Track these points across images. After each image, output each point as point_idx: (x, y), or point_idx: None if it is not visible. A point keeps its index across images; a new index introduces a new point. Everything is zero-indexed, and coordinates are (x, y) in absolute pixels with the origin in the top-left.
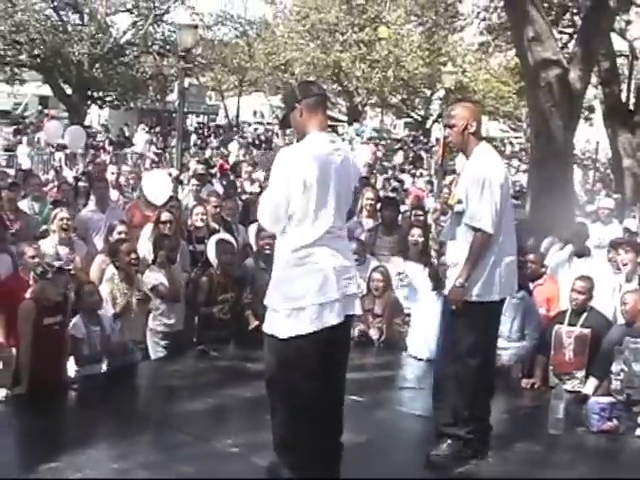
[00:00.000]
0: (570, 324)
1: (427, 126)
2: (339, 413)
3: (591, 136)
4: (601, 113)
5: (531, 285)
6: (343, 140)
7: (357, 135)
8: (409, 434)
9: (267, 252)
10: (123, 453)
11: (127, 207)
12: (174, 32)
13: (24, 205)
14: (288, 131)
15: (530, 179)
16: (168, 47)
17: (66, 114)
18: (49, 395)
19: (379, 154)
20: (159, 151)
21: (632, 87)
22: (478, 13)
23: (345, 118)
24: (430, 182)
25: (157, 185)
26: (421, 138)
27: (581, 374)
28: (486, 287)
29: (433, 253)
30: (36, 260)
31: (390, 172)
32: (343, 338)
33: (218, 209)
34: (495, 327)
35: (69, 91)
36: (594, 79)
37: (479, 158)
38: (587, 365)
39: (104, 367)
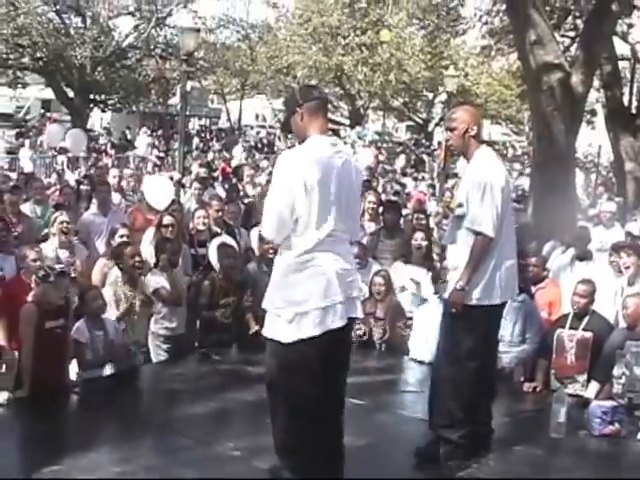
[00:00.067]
0: (572, 328)
1: (429, 129)
2: (340, 416)
3: (593, 140)
4: (603, 117)
5: (533, 288)
6: (345, 143)
7: (359, 138)
8: (410, 438)
9: (270, 256)
10: (125, 456)
11: (129, 211)
12: (176, 35)
13: (26, 208)
14: (290, 134)
15: (532, 183)
16: (170, 50)
17: (68, 117)
18: (51, 398)
19: (381, 157)
20: (161, 154)
21: (634, 91)
22: (480, 17)
23: (347, 121)
24: (432, 185)
25: (158, 190)
26: (423, 141)
27: (583, 378)
28: (486, 291)
29: (435, 257)
30: (38, 263)
31: (390, 175)
32: (345, 340)
33: (220, 213)
34: (495, 331)
35: (71, 94)
36: (596, 83)
37: (480, 161)
38: (589, 369)
39: (107, 371)
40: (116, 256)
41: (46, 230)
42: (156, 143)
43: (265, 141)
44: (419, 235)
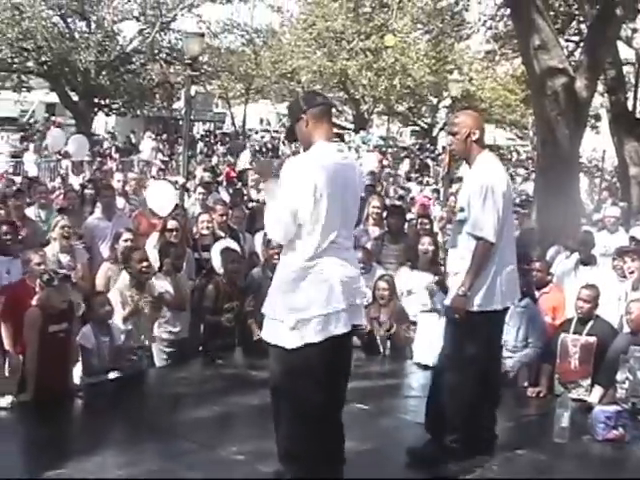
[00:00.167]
0: (576, 332)
1: (433, 134)
2: (341, 420)
3: (597, 144)
4: (607, 121)
5: (537, 293)
6: (349, 148)
7: (363, 143)
8: (413, 443)
9: (275, 261)
10: (128, 460)
11: (133, 215)
12: (181, 40)
13: (31, 212)
14: (294, 142)
15: (536, 187)
16: (175, 55)
17: (73, 121)
18: (55, 402)
19: (386, 162)
20: (166, 158)
21: (638, 95)
22: (484, 21)
23: (351, 126)
24: (436, 190)
25: (161, 196)
26: (428, 146)
27: (586, 383)
28: (488, 296)
29: (441, 262)
30: (42, 267)
31: (391, 179)
32: (347, 347)
33: (224, 217)
34: (498, 336)
35: (76, 98)
36: (600, 87)
37: (482, 166)
38: (592, 374)
39: (112, 376)
40: (124, 260)
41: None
42: (160, 147)
43: (269, 145)
44: (426, 240)
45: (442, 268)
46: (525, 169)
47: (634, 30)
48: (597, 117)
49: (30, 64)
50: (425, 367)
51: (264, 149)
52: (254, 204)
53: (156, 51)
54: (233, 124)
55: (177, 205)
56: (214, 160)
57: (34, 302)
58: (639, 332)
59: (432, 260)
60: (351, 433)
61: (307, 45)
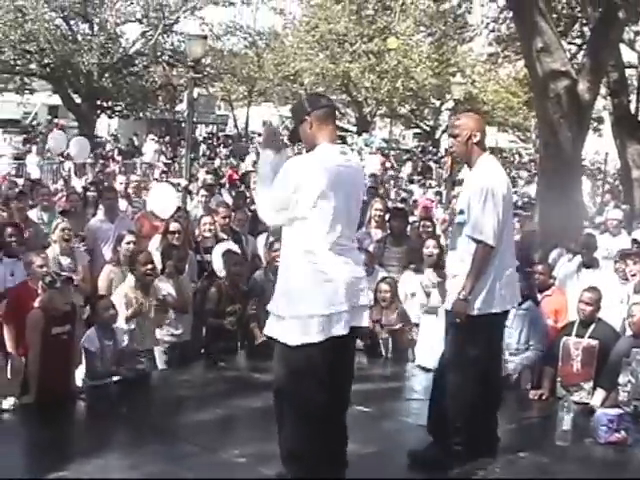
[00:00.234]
0: (578, 335)
1: (436, 137)
2: (345, 422)
3: (600, 147)
4: (610, 124)
5: (539, 296)
6: (352, 150)
7: (366, 145)
8: (416, 445)
9: (277, 264)
10: (130, 463)
11: (136, 217)
12: (183, 42)
13: (33, 215)
14: (297, 143)
15: (539, 190)
16: (177, 57)
17: (76, 123)
18: (57, 404)
19: (388, 164)
20: (168, 161)
21: None
22: (487, 24)
23: (354, 128)
24: (439, 193)
25: (163, 198)
26: (430, 149)
27: (589, 385)
28: (487, 300)
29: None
30: (44, 270)
31: (392, 182)
32: (350, 349)
33: (227, 219)
34: (498, 339)
35: (78, 100)
36: (603, 90)
37: (482, 169)
38: (595, 376)
39: (114, 379)
40: (130, 262)
41: None
42: (163, 150)
43: None
44: (431, 243)
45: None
46: (527, 172)
47: (637, 33)
48: (600, 120)
49: (33, 66)
50: (427, 370)
51: None
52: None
53: (159, 53)
54: (236, 126)
55: (179, 207)
56: (217, 162)
57: (36, 304)
58: None
59: (437, 263)
60: (353, 435)
61: (310, 47)
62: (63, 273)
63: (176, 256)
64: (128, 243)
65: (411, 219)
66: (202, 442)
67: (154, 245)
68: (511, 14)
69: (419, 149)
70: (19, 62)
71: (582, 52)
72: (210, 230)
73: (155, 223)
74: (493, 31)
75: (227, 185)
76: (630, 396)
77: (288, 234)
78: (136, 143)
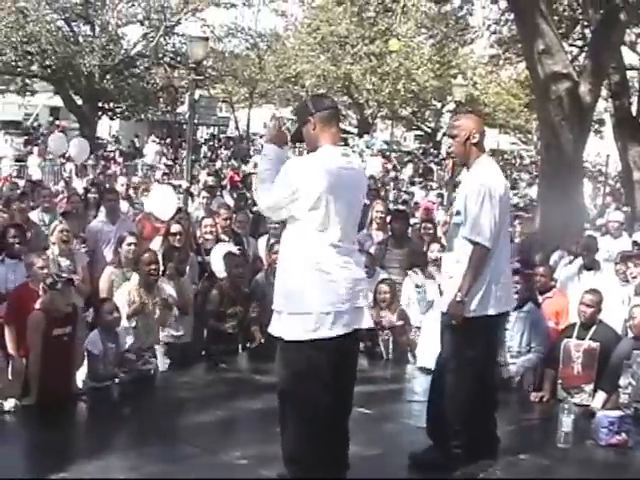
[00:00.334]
0: (579, 338)
1: (437, 139)
2: (347, 426)
3: (601, 149)
4: (611, 126)
5: (540, 298)
6: (353, 152)
7: (367, 147)
8: (416, 448)
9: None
10: (131, 464)
11: (137, 219)
12: (185, 44)
13: (34, 216)
14: (299, 144)
15: (540, 192)
16: (179, 59)
17: (77, 125)
18: (58, 406)
19: (390, 166)
20: (170, 162)
21: None
22: (488, 26)
23: (355, 130)
24: (440, 195)
25: (162, 200)
26: (431, 150)
27: (589, 388)
28: (483, 302)
29: None
30: (45, 271)
31: (392, 184)
32: (353, 351)
33: (228, 221)
34: (494, 341)
35: (80, 102)
36: (604, 92)
37: (480, 170)
38: (596, 379)
39: (116, 381)
40: (135, 262)
41: None
42: (164, 151)
43: None
44: (435, 247)
45: None
46: (529, 174)
47: (638, 35)
48: (601, 122)
49: (34, 68)
50: (428, 371)
51: None
52: (258, 208)
53: (160, 55)
54: (237, 128)
55: (180, 209)
56: (218, 164)
57: (37, 305)
58: None
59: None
60: (354, 437)
61: (311, 49)
62: (63, 274)
63: (177, 258)
64: (129, 245)
65: (412, 221)
66: (203, 444)
67: (155, 247)
68: (512, 16)
69: (420, 151)
70: (20, 63)
71: (583, 54)
72: (211, 232)
73: (156, 225)
74: (494, 33)
75: (228, 187)
76: (631, 398)
77: (287, 235)
78: (137, 145)
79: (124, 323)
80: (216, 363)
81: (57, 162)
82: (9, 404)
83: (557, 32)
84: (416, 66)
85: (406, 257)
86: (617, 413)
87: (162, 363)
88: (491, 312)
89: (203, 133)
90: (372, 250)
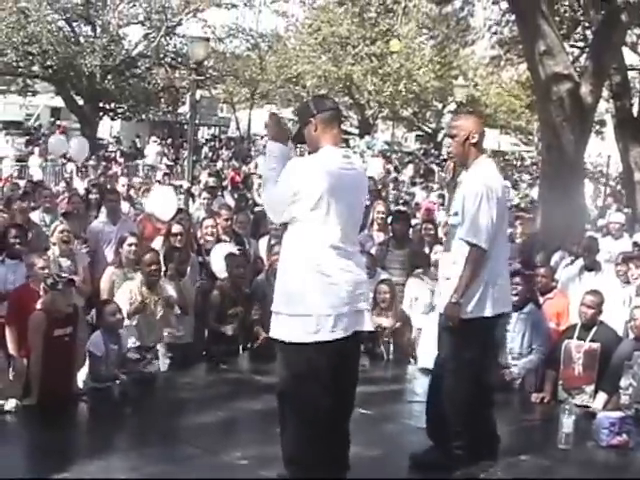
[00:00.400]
0: (579, 338)
1: (438, 139)
2: (348, 427)
3: (602, 150)
4: (612, 127)
5: (541, 299)
6: (355, 153)
7: (368, 148)
8: (417, 448)
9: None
10: (132, 465)
11: (138, 219)
12: (186, 44)
13: (35, 217)
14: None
15: (541, 193)
16: (180, 59)
17: (78, 125)
18: (59, 406)
19: (391, 167)
20: (171, 163)
21: None
22: (490, 27)
23: (356, 131)
24: (441, 195)
25: (163, 200)
26: (432, 151)
27: (590, 389)
28: (480, 304)
29: None
30: (46, 271)
31: (392, 185)
32: (353, 353)
33: (229, 222)
34: (492, 343)
35: (81, 102)
36: (605, 93)
37: (478, 171)
38: (596, 380)
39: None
40: (137, 261)
41: None
42: (165, 152)
43: None
44: (438, 248)
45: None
46: (530, 175)
47: (639, 36)
48: (602, 123)
49: (35, 68)
50: (429, 372)
51: None
52: (258, 209)
53: (161, 55)
54: (238, 129)
55: (180, 209)
56: (219, 165)
57: (38, 306)
58: None
59: None
60: (355, 438)
61: (312, 50)
62: (63, 275)
63: (177, 258)
64: (130, 245)
65: (413, 222)
66: (203, 444)
67: (156, 247)
68: (514, 17)
69: (421, 152)
70: (22, 64)
71: (585, 55)
72: (212, 233)
73: (158, 225)
74: (496, 34)
75: (229, 187)
76: (632, 399)
77: (289, 237)
78: (138, 145)
79: (125, 322)
80: (217, 363)
81: (58, 162)
82: (10, 404)
83: (558, 33)
84: (417, 67)
85: (407, 258)
86: (618, 414)
87: (163, 363)
88: (488, 314)
89: (204, 133)
90: (373, 251)
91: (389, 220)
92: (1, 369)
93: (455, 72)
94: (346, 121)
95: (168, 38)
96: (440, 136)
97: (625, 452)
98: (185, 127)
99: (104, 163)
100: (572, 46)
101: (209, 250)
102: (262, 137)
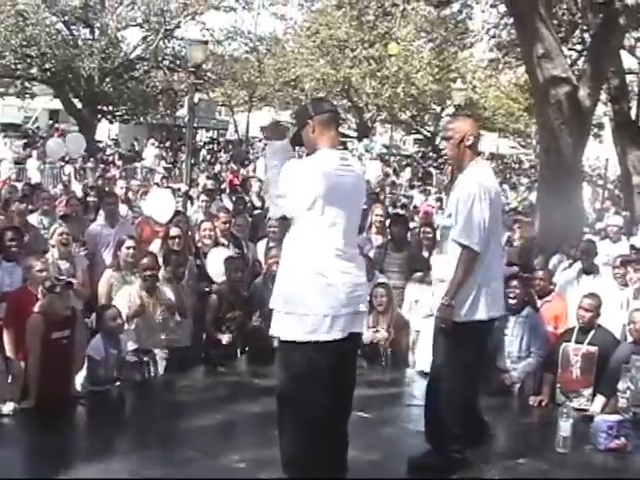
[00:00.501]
0: (577, 342)
1: (437, 142)
2: (346, 429)
3: (600, 153)
4: (610, 130)
5: (539, 302)
6: (353, 156)
7: (366, 151)
8: (415, 452)
9: (276, 272)
10: (130, 468)
11: (136, 222)
12: (184, 47)
13: (33, 219)
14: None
15: (539, 196)
16: (178, 62)
17: (76, 128)
18: (57, 409)
19: (389, 170)
20: (169, 166)
21: None
22: (488, 30)
23: (355, 134)
24: (439, 199)
25: (160, 203)
26: (431, 154)
27: (588, 392)
28: (473, 307)
29: None
30: (44, 274)
31: (388, 188)
32: (352, 355)
33: (227, 225)
34: (486, 346)
35: (79, 105)
36: (603, 96)
37: (472, 173)
38: (594, 383)
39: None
40: (134, 265)
41: None
42: (164, 154)
43: None
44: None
45: None
46: (528, 178)
47: (638, 39)
48: (600, 126)
49: (34, 71)
50: (427, 375)
51: None
52: (257, 212)
53: (160, 58)
54: (236, 131)
55: (178, 212)
56: (217, 168)
57: (36, 309)
58: None
59: None
60: (353, 441)
61: (311, 53)
62: (62, 278)
63: (175, 262)
64: (128, 248)
65: (411, 225)
66: (202, 447)
67: (154, 250)
68: (512, 20)
69: (419, 155)
70: (20, 66)
71: (583, 58)
72: (210, 236)
73: (156, 228)
74: (494, 37)
75: (227, 190)
76: (629, 402)
77: (289, 239)
78: (137, 148)
79: (124, 326)
80: (215, 367)
81: (56, 165)
82: (8, 407)
83: (556, 36)
84: (415, 70)
85: (405, 261)
86: (616, 417)
87: (161, 367)
88: (482, 317)
89: (202, 136)
90: (371, 254)
91: (387, 223)
92: None
93: (453, 75)
94: (344, 124)
95: (166, 41)
96: (438, 139)
97: (623, 455)
98: (183, 130)
99: (102, 166)
100: (570, 49)
101: (207, 253)
102: (260, 140)
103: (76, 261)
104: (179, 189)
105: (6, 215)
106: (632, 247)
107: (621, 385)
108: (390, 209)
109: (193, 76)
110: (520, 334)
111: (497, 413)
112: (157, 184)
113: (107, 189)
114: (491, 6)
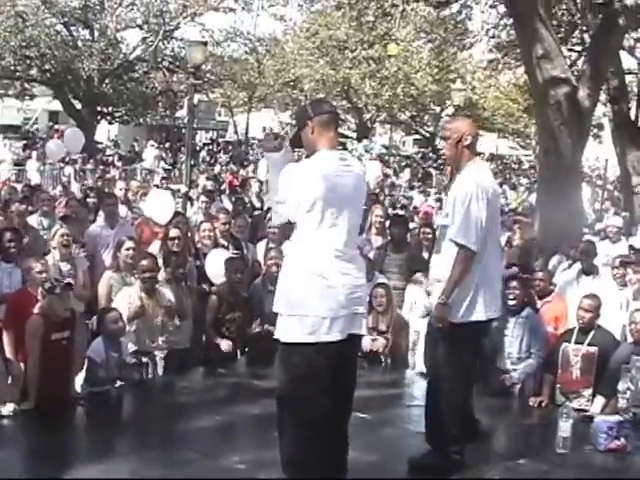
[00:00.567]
0: (577, 342)
1: (436, 143)
2: (346, 430)
3: (600, 154)
4: (610, 131)
5: (539, 303)
6: (352, 156)
7: (366, 152)
8: (415, 452)
9: (275, 273)
10: (130, 469)
11: (136, 223)
12: (184, 48)
13: (33, 220)
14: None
15: (539, 196)
16: (178, 63)
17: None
18: (57, 410)
19: (389, 171)
20: (168, 167)
21: None
22: (487, 30)
23: (354, 135)
24: (439, 199)
25: (160, 204)
26: (430, 155)
27: (588, 392)
28: (470, 307)
29: None
30: (44, 275)
31: (387, 189)
32: (352, 356)
33: (227, 226)
34: (484, 347)
35: (79, 106)
36: (603, 97)
37: (469, 173)
38: (594, 383)
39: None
40: (134, 267)
41: None
42: (163, 155)
43: None
44: None
45: None
46: (527, 178)
47: (637, 40)
48: (600, 126)
49: (33, 72)
50: (427, 376)
51: None
52: (257, 213)
53: (159, 59)
54: (236, 132)
55: (177, 213)
56: (217, 169)
57: (36, 310)
58: None
59: None
60: (353, 442)
61: (310, 54)
62: (61, 279)
63: (174, 263)
64: (127, 249)
65: (411, 226)
66: (202, 448)
67: (154, 251)
68: (511, 21)
69: (419, 155)
70: (19, 68)
71: (582, 59)
72: (209, 236)
73: (155, 229)
74: (493, 38)
75: (227, 191)
76: (629, 403)
77: (291, 241)
78: (136, 149)
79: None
80: (215, 368)
81: (56, 166)
82: (7, 409)
83: (556, 37)
84: (415, 70)
85: (405, 262)
86: (616, 418)
87: (161, 368)
88: (479, 318)
89: (202, 137)
90: (371, 255)
91: (387, 224)
92: None
93: (453, 75)
94: (344, 125)
95: (166, 42)
96: (438, 140)
97: (623, 456)
98: (183, 131)
99: (102, 167)
100: (570, 50)
101: (207, 254)
102: (259, 141)
103: (77, 262)
104: (179, 190)
105: (6, 216)
106: (631, 247)
107: (621, 386)
108: (390, 210)
109: (192, 77)
110: (520, 335)
111: (497, 414)
112: (157, 185)
113: (107, 190)
114: (490, 7)
